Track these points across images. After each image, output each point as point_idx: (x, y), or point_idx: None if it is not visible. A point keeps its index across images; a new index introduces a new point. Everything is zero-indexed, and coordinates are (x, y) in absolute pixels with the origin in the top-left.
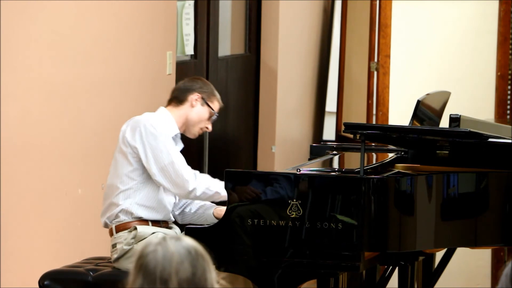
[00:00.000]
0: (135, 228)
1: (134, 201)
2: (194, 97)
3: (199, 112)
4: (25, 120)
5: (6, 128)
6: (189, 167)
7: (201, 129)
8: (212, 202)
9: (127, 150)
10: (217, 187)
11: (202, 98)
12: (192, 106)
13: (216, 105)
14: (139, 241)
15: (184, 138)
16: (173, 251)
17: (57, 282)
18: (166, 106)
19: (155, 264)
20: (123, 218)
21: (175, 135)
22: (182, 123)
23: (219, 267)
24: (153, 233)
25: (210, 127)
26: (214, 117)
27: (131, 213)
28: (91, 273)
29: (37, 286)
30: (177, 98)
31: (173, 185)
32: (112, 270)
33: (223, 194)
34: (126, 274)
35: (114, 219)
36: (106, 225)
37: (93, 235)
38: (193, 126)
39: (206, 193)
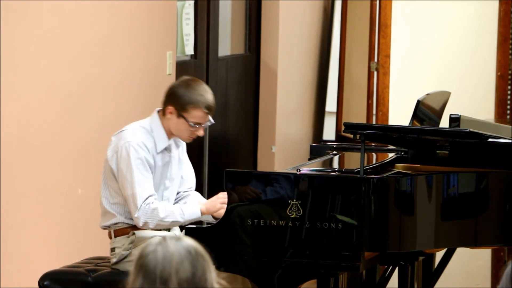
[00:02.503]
0: (133, 234)
1: (127, 214)
2: (169, 110)
3: (175, 124)
4: (25, 120)
5: (6, 128)
6: (150, 199)
7: (189, 136)
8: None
9: (108, 168)
10: (176, 217)
11: (176, 110)
12: (168, 119)
13: (194, 114)
14: (137, 246)
15: None
16: (173, 251)
17: (57, 282)
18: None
19: (155, 264)
20: (121, 225)
21: (165, 148)
22: (169, 132)
23: (219, 267)
24: (152, 237)
25: (200, 132)
26: (208, 123)
27: (128, 223)
28: (91, 274)
29: (37, 286)
30: (162, 107)
31: (131, 214)
32: (112, 270)
33: (182, 221)
34: (126, 275)
35: (113, 225)
36: (104, 228)
37: (93, 235)
38: (179, 136)
39: (161, 224)
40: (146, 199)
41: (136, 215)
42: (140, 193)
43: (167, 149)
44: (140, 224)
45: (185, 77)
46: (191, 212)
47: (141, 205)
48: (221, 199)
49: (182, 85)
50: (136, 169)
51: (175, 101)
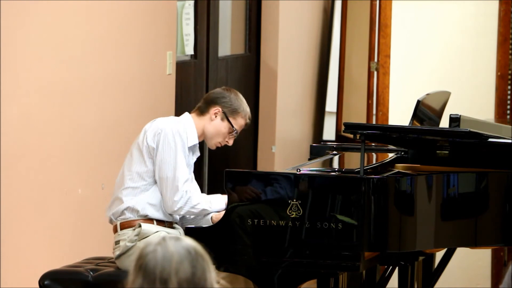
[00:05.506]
0: (140, 226)
1: (141, 199)
2: (215, 110)
3: (216, 126)
4: (25, 120)
5: (6, 128)
6: (188, 185)
7: (219, 142)
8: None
9: (144, 149)
10: (205, 205)
11: (223, 113)
12: (211, 119)
13: (239, 121)
14: (142, 239)
15: None
16: (172, 251)
17: (57, 282)
18: (191, 112)
19: (154, 264)
20: (129, 215)
21: (193, 145)
22: (200, 133)
23: (219, 267)
24: (157, 231)
25: (231, 142)
26: (234, 133)
27: (137, 211)
28: (91, 273)
29: (37, 286)
30: (200, 108)
31: (164, 198)
32: (112, 270)
33: (210, 211)
34: (126, 274)
35: (119, 216)
36: (110, 221)
37: (93, 235)
38: (210, 139)
39: (192, 211)
40: (185, 182)
41: (175, 198)
42: (180, 178)
43: (191, 150)
44: (175, 208)
45: (227, 87)
46: (217, 203)
47: (181, 188)
48: None
49: (231, 92)
50: (180, 152)
51: (225, 103)
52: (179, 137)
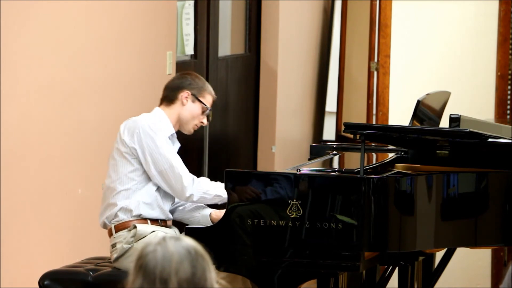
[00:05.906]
0: (135, 227)
1: (134, 199)
2: (184, 94)
3: (190, 110)
4: (25, 120)
5: (6, 128)
6: (187, 171)
7: (196, 125)
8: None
9: (126, 151)
10: (217, 191)
11: (193, 95)
12: (183, 104)
13: (208, 99)
14: (138, 240)
15: (183, 137)
16: (172, 251)
17: (57, 282)
18: (159, 106)
19: (154, 264)
20: (122, 217)
21: (171, 135)
22: (176, 122)
23: (219, 267)
24: (153, 231)
25: (205, 121)
26: (207, 111)
27: (131, 211)
28: (91, 273)
29: (37, 286)
30: (167, 98)
31: (171, 189)
32: (112, 270)
33: (224, 197)
34: (126, 274)
35: (113, 219)
36: (104, 226)
37: (93, 235)
38: (187, 124)
39: (205, 197)
40: (183, 166)
41: (185, 183)
42: (178, 164)
43: (170, 140)
44: (187, 194)
45: (183, 72)
46: (222, 191)
47: (184, 172)
48: None
49: (190, 74)
50: (164, 142)
51: (191, 85)
52: (157, 128)
